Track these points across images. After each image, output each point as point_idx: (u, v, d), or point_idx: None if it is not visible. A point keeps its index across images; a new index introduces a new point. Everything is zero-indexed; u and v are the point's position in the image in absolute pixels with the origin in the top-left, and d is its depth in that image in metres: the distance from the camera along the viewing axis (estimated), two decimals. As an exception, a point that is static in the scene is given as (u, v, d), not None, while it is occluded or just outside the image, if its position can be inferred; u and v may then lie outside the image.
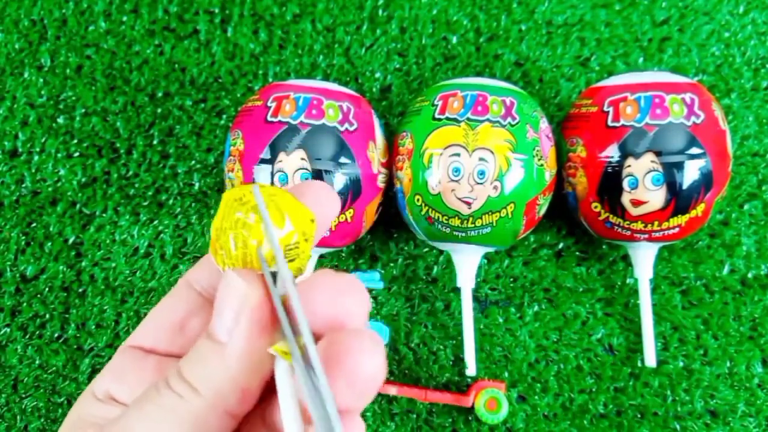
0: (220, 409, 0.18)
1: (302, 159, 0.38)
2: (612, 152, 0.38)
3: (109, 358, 0.45)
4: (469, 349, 0.41)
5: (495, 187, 0.37)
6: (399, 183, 0.40)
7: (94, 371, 0.45)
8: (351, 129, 0.39)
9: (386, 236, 0.46)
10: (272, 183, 0.38)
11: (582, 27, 0.48)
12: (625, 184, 0.38)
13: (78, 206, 0.47)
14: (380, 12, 0.49)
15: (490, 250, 0.41)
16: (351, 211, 0.39)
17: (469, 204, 0.37)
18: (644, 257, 0.41)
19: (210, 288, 0.22)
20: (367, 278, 0.44)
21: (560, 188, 0.42)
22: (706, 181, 0.37)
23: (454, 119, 0.38)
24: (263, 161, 0.38)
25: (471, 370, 0.41)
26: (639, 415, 0.43)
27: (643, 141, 0.37)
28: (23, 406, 0.44)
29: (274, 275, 0.19)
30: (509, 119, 0.38)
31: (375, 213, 0.41)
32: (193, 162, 0.47)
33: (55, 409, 0.44)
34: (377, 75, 0.48)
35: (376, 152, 0.40)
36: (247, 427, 0.20)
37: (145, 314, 0.45)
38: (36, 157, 0.47)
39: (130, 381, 0.21)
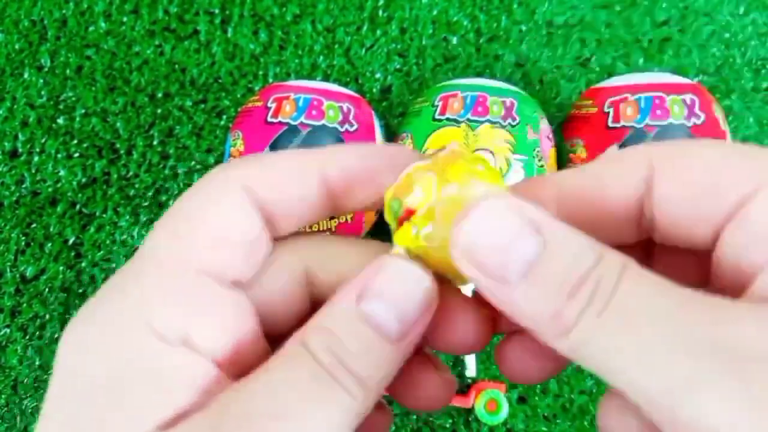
0: (370, 406, 0.16)
1: (302, 160, 0.38)
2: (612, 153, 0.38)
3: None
4: (469, 350, 0.41)
5: (495, 188, 0.37)
6: (399, 184, 0.40)
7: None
8: (351, 130, 0.39)
9: (386, 237, 0.46)
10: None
11: (582, 28, 0.48)
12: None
13: (78, 207, 0.46)
14: (380, 12, 0.49)
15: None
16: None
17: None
18: (644, 258, 0.41)
19: (280, 207, 0.17)
20: None
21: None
22: (706, 183, 0.37)
23: (455, 120, 0.38)
24: (263, 162, 0.38)
25: (471, 371, 0.41)
26: (639, 416, 0.43)
27: (643, 142, 0.37)
28: (23, 407, 0.44)
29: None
30: (509, 120, 0.38)
31: (375, 214, 0.41)
32: (193, 163, 0.47)
33: (55, 409, 0.44)
34: (377, 76, 0.48)
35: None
36: None
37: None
38: (36, 158, 0.47)
39: (213, 325, 0.16)
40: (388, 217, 0.18)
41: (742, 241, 0.15)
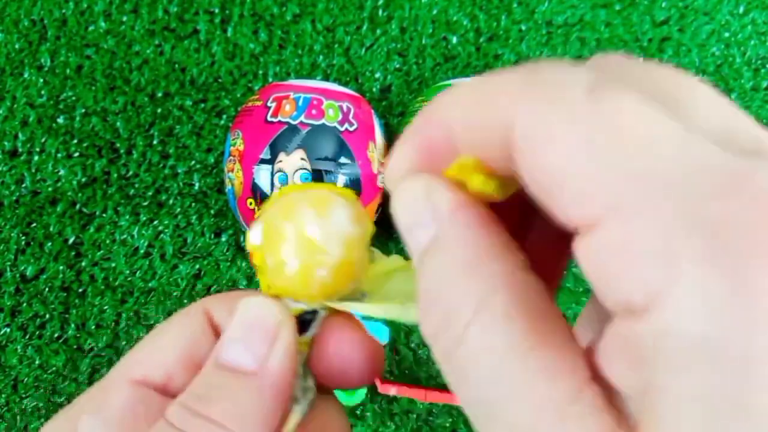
0: None
1: (302, 159, 0.38)
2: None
3: (109, 359, 0.45)
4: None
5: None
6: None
7: (94, 371, 0.45)
8: (351, 129, 0.39)
9: (386, 236, 0.46)
10: (272, 183, 0.38)
11: (582, 27, 0.48)
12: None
13: (78, 206, 0.46)
14: (380, 12, 0.49)
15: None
16: (351, 211, 0.39)
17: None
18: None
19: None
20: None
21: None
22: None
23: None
24: (263, 161, 0.38)
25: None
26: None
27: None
28: (23, 407, 0.44)
29: (304, 314, 0.17)
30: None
31: (375, 213, 0.41)
32: (193, 162, 0.47)
33: (55, 409, 0.44)
34: (377, 75, 0.48)
35: (376, 152, 0.40)
36: None
37: (145, 315, 0.45)
38: (36, 157, 0.47)
39: (128, 426, 0.17)
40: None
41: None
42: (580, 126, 0.11)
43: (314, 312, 0.17)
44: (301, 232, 0.17)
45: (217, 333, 0.18)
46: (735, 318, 0.09)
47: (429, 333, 0.13)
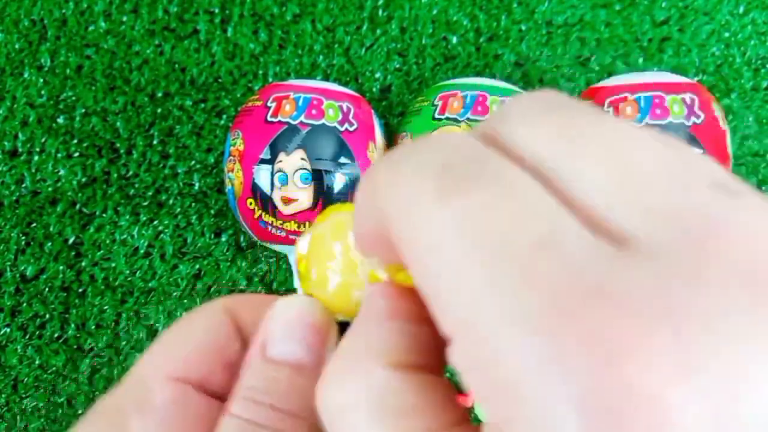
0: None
1: (302, 159, 0.38)
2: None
3: (109, 359, 0.45)
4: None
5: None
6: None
7: (94, 371, 0.45)
8: (351, 129, 0.39)
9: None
10: (272, 183, 0.38)
11: (582, 27, 0.48)
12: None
13: (78, 206, 0.46)
14: (380, 12, 0.49)
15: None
16: (351, 211, 0.39)
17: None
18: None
19: (250, 330, 0.19)
20: None
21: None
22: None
23: (454, 119, 0.38)
24: (263, 161, 0.38)
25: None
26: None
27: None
28: (23, 407, 0.44)
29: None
30: (509, 119, 0.38)
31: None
32: (193, 162, 0.47)
33: (55, 409, 0.44)
34: (377, 75, 0.48)
35: (376, 152, 0.40)
36: None
37: (145, 315, 0.45)
38: (36, 157, 0.47)
39: (180, 425, 0.16)
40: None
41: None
42: (432, 228, 0.10)
43: (347, 324, 0.18)
44: (346, 252, 0.17)
45: (240, 335, 0.18)
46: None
47: None
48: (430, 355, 0.13)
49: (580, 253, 0.09)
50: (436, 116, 0.39)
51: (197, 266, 0.46)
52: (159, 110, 0.48)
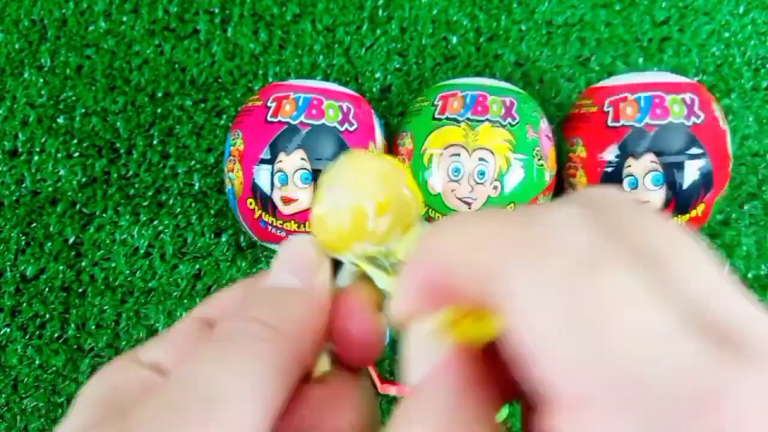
0: (298, 355, 0.16)
1: (302, 159, 0.38)
2: (612, 152, 0.38)
3: (109, 358, 0.45)
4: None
5: (495, 188, 0.37)
6: (399, 183, 0.40)
7: (94, 371, 0.45)
8: (351, 129, 0.39)
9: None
10: (272, 183, 0.38)
11: (582, 27, 0.48)
12: (625, 184, 0.38)
13: (78, 206, 0.46)
14: (380, 12, 0.49)
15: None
16: (351, 211, 0.39)
17: (469, 204, 0.37)
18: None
19: None
20: None
21: (560, 188, 0.42)
22: (705, 182, 0.37)
23: (454, 119, 0.38)
24: (263, 161, 0.38)
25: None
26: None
27: (643, 141, 0.37)
28: (23, 406, 0.44)
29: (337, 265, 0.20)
30: (509, 119, 0.38)
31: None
32: (193, 162, 0.47)
33: (55, 409, 0.44)
34: (377, 75, 0.48)
35: (375, 152, 0.40)
36: None
37: (145, 315, 0.45)
38: (36, 157, 0.47)
39: (187, 350, 0.17)
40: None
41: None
42: (564, 304, 0.11)
43: (341, 263, 0.20)
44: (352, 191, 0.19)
45: None
46: None
47: None
48: (491, 417, 0.14)
49: (695, 357, 0.10)
50: (436, 116, 0.39)
51: (197, 266, 0.46)
52: (159, 110, 0.48)
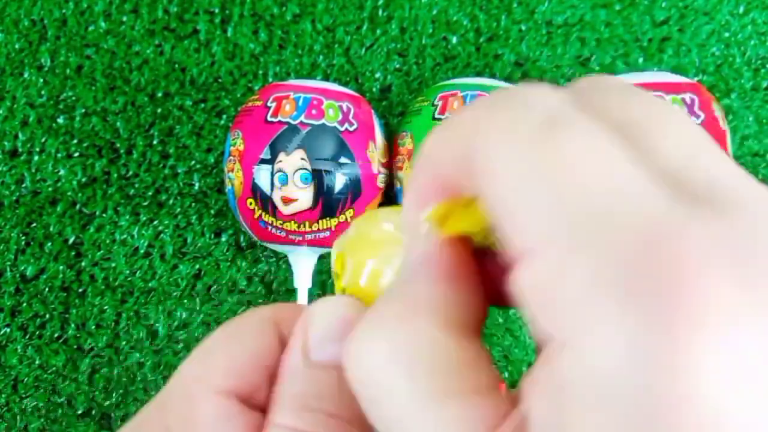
0: None
1: (302, 159, 0.38)
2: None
3: (109, 359, 0.45)
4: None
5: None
6: (399, 183, 0.40)
7: (94, 371, 0.45)
8: (351, 129, 0.39)
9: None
10: (272, 183, 0.38)
11: (582, 27, 0.48)
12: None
13: (78, 206, 0.47)
14: (380, 12, 0.49)
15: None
16: (351, 211, 0.39)
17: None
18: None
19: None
20: None
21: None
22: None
23: (454, 119, 0.38)
24: (263, 161, 0.38)
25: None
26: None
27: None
28: (23, 406, 0.44)
29: None
30: (509, 119, 0.38)
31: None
32: (193, 162, 0.47)
33: (55, 409, 0.44)
34: (377, 75, 0.48)
35: (376, 152, 0.40)
36: None
37: (145, 315, 0.45)
38: (36, 157, 0.47)
39: None
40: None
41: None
42: (525, 160, 0.11)
43: None
44: (381, 244, 0.18)
45: (284, 345, 0.17)
46: (654, 363, 0.09)
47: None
48: (471, 319, 0.13)
49: (656, 203, 0.10)
50: (436, 116, 0.39)
51: (197, 266, 0.46)
52: (159, 110, 0.48)
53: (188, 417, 0.16)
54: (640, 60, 0.48)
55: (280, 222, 0.39)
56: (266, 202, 0.38)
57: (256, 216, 0.39)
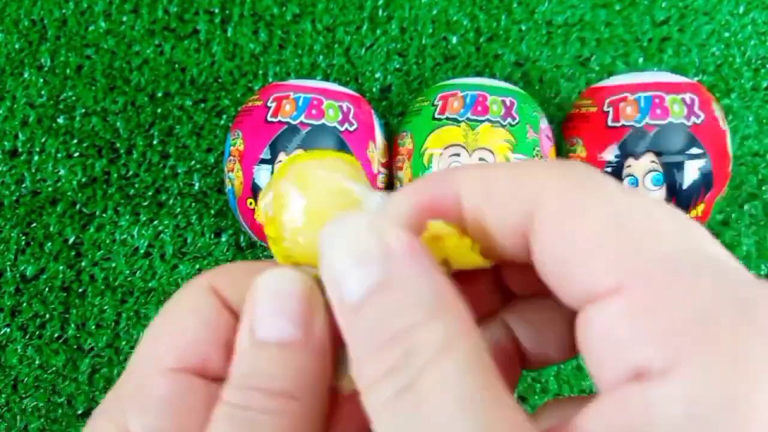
0: (319, 416, 0.15)
1: (302, 159, 0.38)
2: (612, 152, 0.38)
3: (109, 359, 0.45)
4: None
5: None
6: (399, 183, 0.40)
7: (94, 371, 0.45)
8: (351, 129, 0.39)
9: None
10: (272, 183, 0.38)
11: (582, 27, 0.48)
12: (625, 184, 0.38)
13: (78, 206, 0.47)
14: (380, 12, 0.49)
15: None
16: (351, 211, 0.39)
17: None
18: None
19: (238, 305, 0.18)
20: None
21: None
22: (706, 182, 0.37)
23: (455, 119, 0.38)
24: (263, 161, 0.38)
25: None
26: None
27: (643, 141, 0.37)
28: (23, 406, 0.44)
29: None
30: (509, 119, 0.38)
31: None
32: (193, 162, 0.47)
33: (55, 409, 0.44)
34: (377, 75, 0.48)
35: (376, 152, 0.40)
36: None
37: (145, 315, 0.45)
38: (36, 157, 0.47)
39: (183, 416, 0.16)
40: (266, 229, 0.18)
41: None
42: (612, 205, 0.12)
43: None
44: (313, 201, 0.17)
45: (229, 309, 0.17)
46: (732, 405, 0.10)
47: (381, 371, 0.13)
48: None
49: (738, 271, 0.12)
50: (436, 116, 0.39)
51: (197, 266, 0.46)
52: (159, 110, 0.48)
53: (142, 397, 0.16)
54: (640, 60, 0.48)
55: (280, 222, 0.39)
56: (266, 202, 0.38)
57: (256, 216, 0.39)
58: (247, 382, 0.15)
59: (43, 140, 0.48)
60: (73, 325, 0.45)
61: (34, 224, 0.46)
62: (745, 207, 0.45)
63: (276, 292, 0.16)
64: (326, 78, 0.48)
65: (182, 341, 0.17)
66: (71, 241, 0.46)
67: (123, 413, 0.16)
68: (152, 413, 0.16)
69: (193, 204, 0.46)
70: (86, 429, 0.16)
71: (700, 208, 0.38)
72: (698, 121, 0.37)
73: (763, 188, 0.46)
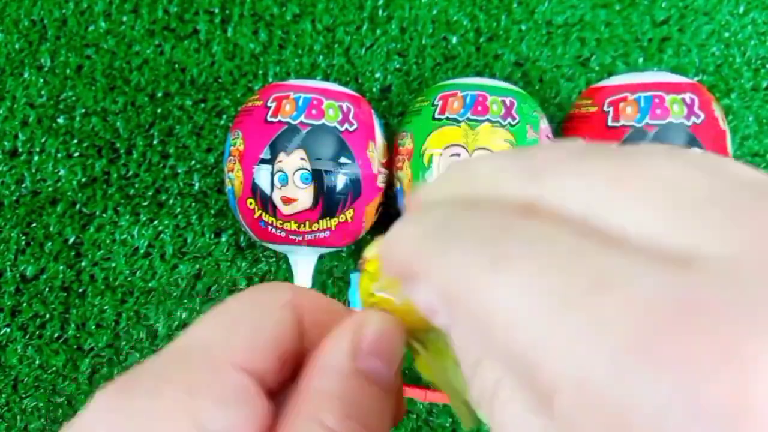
0: None
1: (302, 159, 0.38)
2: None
3: (109, 359, 0.45)
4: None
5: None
6: (399, 183, 0.40)
7: (94, 371, 0.45)
8: (351, 129, 0.39)
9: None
10: (272, 183, 0.38)
11: (582, 27, 0.48)
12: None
13: (78, 206, 0.46)
14: (380, 12, 0.49)
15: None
16: (351, 211, 0.39)
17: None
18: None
19: (313, 324, 0.18)
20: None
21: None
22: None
23: (454, 119, 0.38)
24: (263, 161, 0.38)
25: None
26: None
27: (643, 141, 0.37)
28: (23, 406, 0.44)
29: None
30: (509, 119, 0.38)
31: (375, 213, 0.41)
32: (193, 162, 0.47)
33: (55, 409, 0.44)
34: (377, 75, 0.48)
35: (376, 152, 0.40)
36: None
37: (145, 315, 0.45)
38: (36, 157, 0.47)
39: (249, 417, 0.15)
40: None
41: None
42: (492, 297, 0.12)
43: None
44: None
45: (299, 331, 0.17)
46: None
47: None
48: None
49: (646, 283, 0.10)
50: (436, 116, 0.39)
51: (197, 266, 0.46)
52: (159, 110, 0.48)
53: (212, 386, 0.15)
54: (640, 60, 0.48)
55: (280, 222, 0.39)
56: (266, 202, 0.38)
57: (256, 216, 0.39)
58: (342, 407, 0.15)
59: (43, 140, 0.48)
60: (73, 325, 0.45)
61: (34, 224, 0.46)
62: (745, 207, 0.45)
63: (380, 333, 0.17)
64: (326, 78, 0.48)
65: (260, 343, 0.16)
66: (71, 241, 0.46)
67: (195, 396, 0.15)
68: (231, 407, 0.15)
69: (193, 204, 0.46)
70: (143, 397, 0.15)
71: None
72: (698, 121, 0.37)
73: (763, 188, 0.46)
